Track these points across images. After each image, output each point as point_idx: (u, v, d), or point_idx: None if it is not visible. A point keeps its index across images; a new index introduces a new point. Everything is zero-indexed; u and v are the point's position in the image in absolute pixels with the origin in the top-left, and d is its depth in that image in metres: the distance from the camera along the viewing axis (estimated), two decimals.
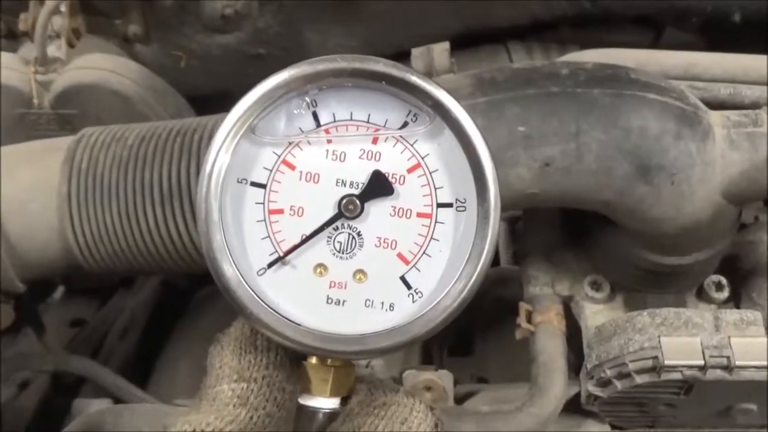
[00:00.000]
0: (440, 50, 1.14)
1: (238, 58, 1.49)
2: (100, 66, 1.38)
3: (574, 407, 1.06)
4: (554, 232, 1.13)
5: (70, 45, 1.39)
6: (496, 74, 1.00)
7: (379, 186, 0.73)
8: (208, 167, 0.71)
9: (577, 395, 1.05)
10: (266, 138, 0.73)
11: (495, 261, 1.46)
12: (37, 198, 1.11)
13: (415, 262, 0.73)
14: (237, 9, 1.42)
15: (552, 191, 0.97)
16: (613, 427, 1.10)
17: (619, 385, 1.00)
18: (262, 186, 0.73)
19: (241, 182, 0.73)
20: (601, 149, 0.94)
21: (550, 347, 1.05)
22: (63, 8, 1.37)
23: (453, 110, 0.73)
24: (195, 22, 1.45)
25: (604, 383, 1.01)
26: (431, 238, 0.74)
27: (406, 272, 0.73)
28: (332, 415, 0.76)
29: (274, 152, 0.73)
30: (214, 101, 1.44)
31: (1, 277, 1.11)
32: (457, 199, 0.74)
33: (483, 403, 1.15)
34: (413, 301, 0.73)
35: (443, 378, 1.10)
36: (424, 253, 0.74)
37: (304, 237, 0.73)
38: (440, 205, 0.74)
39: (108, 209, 1.08)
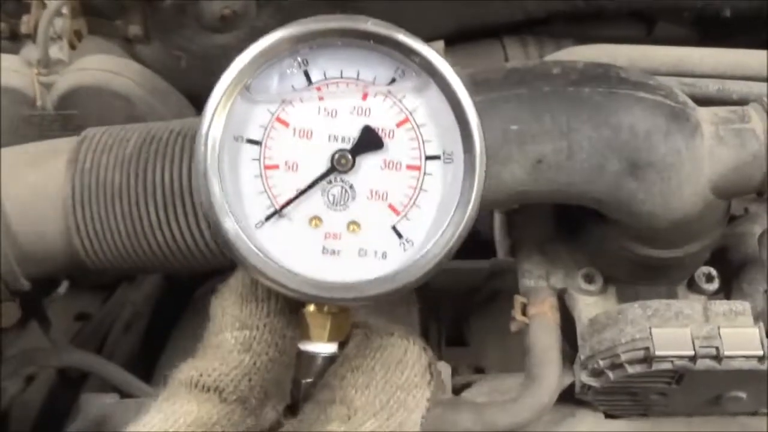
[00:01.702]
0: (435, 49, 1.16)
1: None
2: (102, 67, 1.39)
3: (568, 397, 1.08)
4: (548, 226, 1.15)
5: (72, 46, 1.40)
6: (490, 74, 1.02)
7: (369, 140, 0.77)
8: (205, 126, 0.74)
9: (572, 385, 1.07)
10: (260, 96, 0.76)
11: (492, 253, 1.48)
12: (41, 199, 1.13)
13: (406, 212, 0.77)
14: (235, 10, 1.43)
15: (544, 188, 0.99)
16: (606, 415, 1.12)
17: (611, 375, 1.01)
18: (258, 143, 0.76)
19: (237, 140, 0.76)
20: (592, 147, 0.97)
21: (545, 339, 1.07)
22: (65, 10, 1.38)
23: (439, 66, 0.76)
24: (194, 23, 1.46)
25: (598, 373, 1.03)
26: (420, 189, 0.77)
27: (397, 222, 0.77)
28: (331, 359, 0.80)
29: (268, 110, 0.76)
30: None
31: (8, 276, 1.13)
32: (444, 152, 0.77)
33: (480, 394, 1.17)
34: (405, 250, 0.77)
35: (441, 369, 1.12)
36: (414, 203, 0.77)
37: (298, 191, 0.76)
38: (428, 158, 0.77)
39: (111, 210, 1.10)
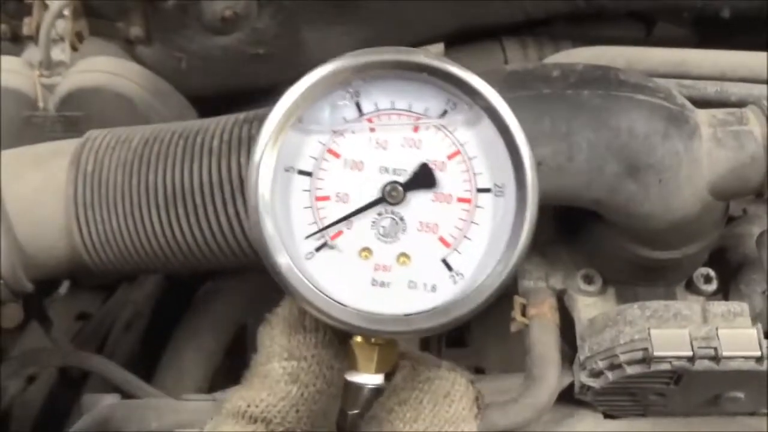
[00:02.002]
0: (435, 52, 1.17)
1: (238, 58, 1.51)
2: (104, 69, 1.40)
3: (567, 397, 1.08)
4: (547, 227, 1.16)
5: (74, 48, 1.40)
6: (490, 76, 1.02)
7: (423, 178, 0.76)
8: (257, 157, 0.74)
9: (571, 385, 1.08)
10: (312, 127, 0.76)
11: None
12: (44, 200, 1.14)
13: (456, 245, 0.76)
14: (236, 11, 1.43)
15: (545, 189, 0.98)
16: (605, 415, 1.12)
17: (610, 375, 1.02)
18: (309, 174, 0.76)
19: (289, 170, 0.76)
20: (591, 149, 0.97)
21: (544, 339, 1.08)
22: (66, 12, 1.39)
23: (491, 99, 0.76)
24: (195, 24, 1.46)
25: (597, 374, 1.04)
26: (471, 222, 0.76)
27: (448, 255, 0.76)
28: (378, 391, 0.80)
29: (319, 141, 0.76)
30: (215, 101, 1.46)
31: (11, 278, 1.14)
32: (495, 185, 0.76)
33: None
34: (455, 283, 0.76)
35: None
36: (464, 236, 0.76)
37: (345, 215, 0.76)
38: (480, 191, 0.76)
39: (113, 211, 1.11)
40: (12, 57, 1.44)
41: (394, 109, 0.77)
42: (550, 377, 1.05)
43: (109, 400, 1.19)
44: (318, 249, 0.76)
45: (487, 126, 0.76)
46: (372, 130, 0.76)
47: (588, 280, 1.12)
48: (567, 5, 1.51)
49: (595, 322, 1.06)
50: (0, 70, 1.38)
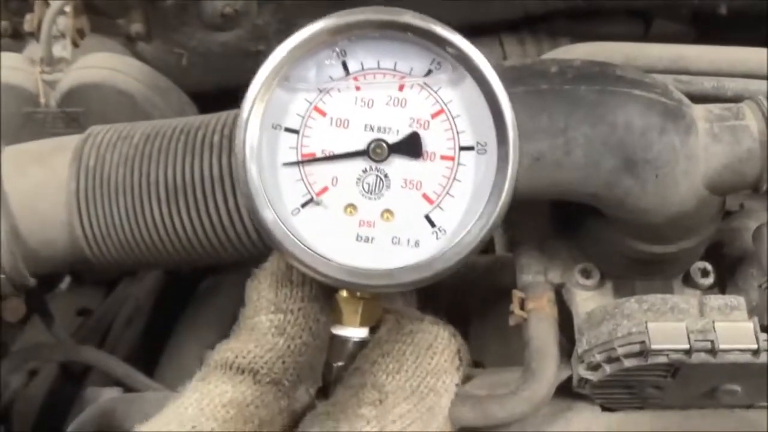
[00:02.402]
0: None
1: (238, 54, 1.52)
2: (105, 65, 1.41)
3: (565, 390, 1.09)
4: (545, 222, 1.16)
5: (75, 45, 1.42)
6: None
7: (411, 146, 0.79)
8: (245, 114, 0.76)
9: (569, 379, 1.08)
10: (298, 86, 0.78)
11: (490, 248, 1.49)
12: (46, 195, 1.15)
13: (439, 201, 0.79)
14: (236, 8, 1.44)
15: (543, 184, 1.01)
16: (603, 408, 1.13)
17: (608, 368, 1.03)
18: (295, 132, 0.78)
19: (276, 128, 0.78)
20: (588, 144, 0.98)
21: (543, 333, 1.08)
22: (67, 8, 1.40)
23: (475, 59, 0.78)
24: (195, 21, 1.48)
25: (594, 367, 1.04)
26: (454, 179, 0.79)
27: (431, 211, 0.79)
28: (362, 344, 0.82)
29: (306, 99, 0.78)
30: (215, 97, 1.47)
31: (14, 273, 1.14)
32: (478, 143, 0.79)
33: (480, 387, 1.18)
34: (437, 238, 0.79)
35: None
36: (447, 193, 0.79)
37: (325, 155, 0.78)
38: (462, 149, 0.79)
39: (115, 205, 1.12)
40: (13, 54, 1.45)
41: (379, 68, 0.78)
42: (549, 370, 1.06)
43: (111, 393, 1.20)
44: (304, 205, 0.78)
45: (470, 85, 0.78)
46: (358, 88, 0.78)
47: (586, 274, 1.12)
48: (566, 3, 1.52)
49: (592, 315, 1.07)
50: (1, 67, 1.39)
